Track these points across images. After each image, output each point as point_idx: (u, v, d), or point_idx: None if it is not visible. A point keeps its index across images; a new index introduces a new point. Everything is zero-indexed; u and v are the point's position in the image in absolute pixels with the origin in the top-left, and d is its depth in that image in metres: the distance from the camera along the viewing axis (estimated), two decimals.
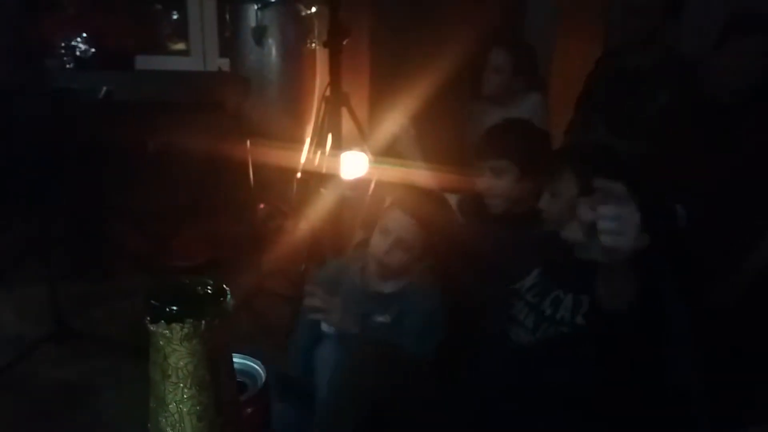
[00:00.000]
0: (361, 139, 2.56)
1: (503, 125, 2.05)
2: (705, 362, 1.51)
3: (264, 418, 0.81)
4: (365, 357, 1.53)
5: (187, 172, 3.02)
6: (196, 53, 4.11)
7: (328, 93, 2.45)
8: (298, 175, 2.81)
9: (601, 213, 1.08)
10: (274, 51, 3.28)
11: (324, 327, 1.74)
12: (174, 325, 0.49)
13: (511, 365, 1.61)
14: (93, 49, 3.28)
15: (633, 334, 1.31)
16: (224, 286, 0.53)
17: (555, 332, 1.55)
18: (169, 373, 0.50)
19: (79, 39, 3.26)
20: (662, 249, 1.42)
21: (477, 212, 2.04)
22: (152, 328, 0.50)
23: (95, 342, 2.38)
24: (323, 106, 2.48)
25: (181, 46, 4.28)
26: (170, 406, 0.51)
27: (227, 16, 3.49)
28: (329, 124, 2.45)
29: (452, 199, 2.11)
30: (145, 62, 3.63)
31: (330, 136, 2.46)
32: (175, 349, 0.50)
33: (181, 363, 0.50)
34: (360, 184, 2.46)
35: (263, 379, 0.80)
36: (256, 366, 0.82)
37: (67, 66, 3.22)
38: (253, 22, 3.21)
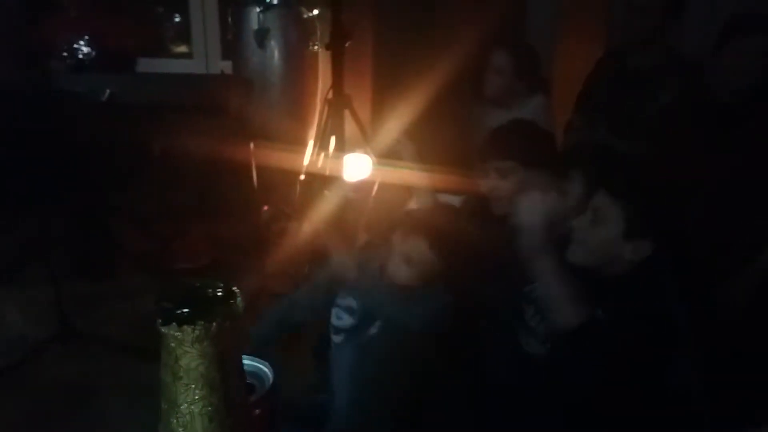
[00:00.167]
0: (363, 141, 2.57)
1: (508, 126, 2.03)
2: (706, 362, 1.51)
3: (271, 419, 0.82)
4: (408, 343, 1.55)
5: (191, 175, 3.03)
6: (198, 56, 4.12)
7: (330, 95, 2.46)
8: (302, 177, 2.82)
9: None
10: (276, 53, 3.29)
11: (335, 321, 1.74)
12: (185, 327, 0.50)
13: (523, 372, 1.61)
14: (95, 52, 3.28)
15: (633, 335, 1.31)
16: (234, 288, 0.54)
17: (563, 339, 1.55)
18: (181, 374, 0.51)
19: (81, 41, 3.26)
20: (663, 249, 1.44)
21: (481, 213, 2.04)
22: (164, 330, 0.50)
23: (99, 342, 2.38)
24: (326, 108, 2.49)
25: (183, 48, 4.29)
26: (182, 407, 0.52)
27: (229, 19, 3.49)
28: (332, 126, 2.46)
29: (456, 201, 2.11)
30: (147, 65, 3.62)
31: (333, 138, 2.46)
32: (187, 351, 0.51)
33: (193, 364, 0.51)
34: (363, 186, 2.46)
35: (271, 380, 0.81)
36: (263, 367, 0.83)
37: (70, 67, 3.23)
38: (255, 25, 3.22)
